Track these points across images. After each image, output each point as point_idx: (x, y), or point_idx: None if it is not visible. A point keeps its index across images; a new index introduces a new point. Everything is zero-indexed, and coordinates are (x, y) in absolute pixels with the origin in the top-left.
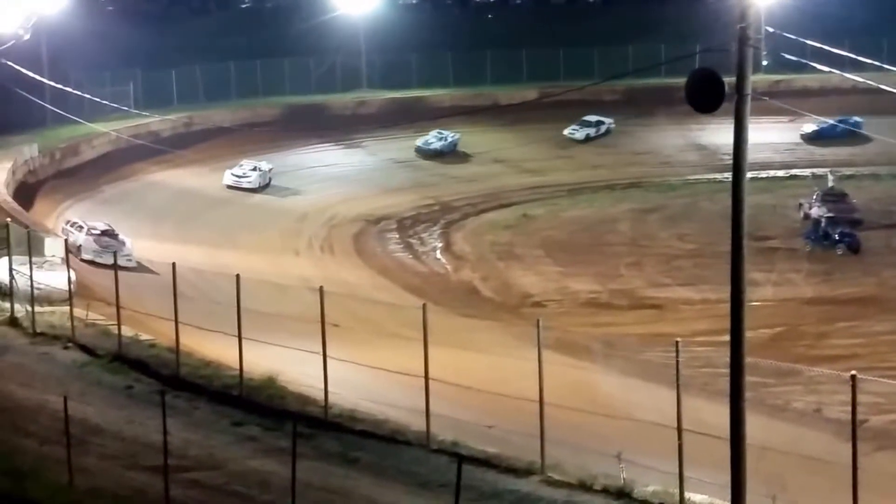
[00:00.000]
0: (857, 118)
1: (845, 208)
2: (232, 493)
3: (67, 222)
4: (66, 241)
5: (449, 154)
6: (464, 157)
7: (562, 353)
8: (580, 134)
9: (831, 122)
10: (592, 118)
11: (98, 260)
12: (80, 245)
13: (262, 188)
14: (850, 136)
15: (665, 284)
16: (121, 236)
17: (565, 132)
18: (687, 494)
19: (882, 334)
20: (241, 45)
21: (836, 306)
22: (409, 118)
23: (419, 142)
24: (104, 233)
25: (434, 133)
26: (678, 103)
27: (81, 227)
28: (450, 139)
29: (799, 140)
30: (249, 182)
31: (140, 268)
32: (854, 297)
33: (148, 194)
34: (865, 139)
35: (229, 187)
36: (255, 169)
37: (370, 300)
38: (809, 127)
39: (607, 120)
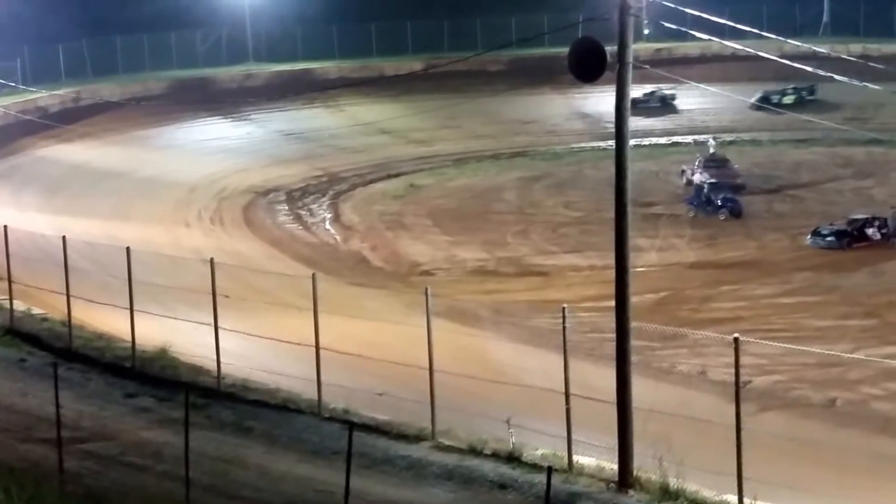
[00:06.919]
0: None
1: (727, 174)
2: (126, 463)
3: None
4: None
5: None
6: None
7: (451, 321)
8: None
9: None
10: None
11: None
12: None
13: None
14: None
15: (552, 252)
16: None
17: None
18: (575, 457)
19: (764, 297)
20: (127, 18)
21: (719, 270)
22: (296, 90)
23: None
24: None
25: None
26: (562, 72)
27: None
28: None
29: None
30: None
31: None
32: (737, 260)
33: (39, 168)
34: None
35: None
36: None
37: (261, 271)
38: None
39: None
